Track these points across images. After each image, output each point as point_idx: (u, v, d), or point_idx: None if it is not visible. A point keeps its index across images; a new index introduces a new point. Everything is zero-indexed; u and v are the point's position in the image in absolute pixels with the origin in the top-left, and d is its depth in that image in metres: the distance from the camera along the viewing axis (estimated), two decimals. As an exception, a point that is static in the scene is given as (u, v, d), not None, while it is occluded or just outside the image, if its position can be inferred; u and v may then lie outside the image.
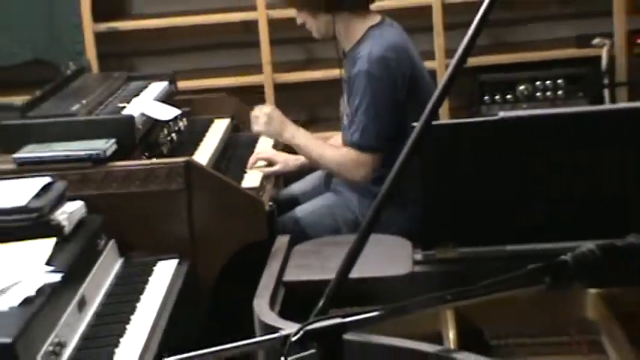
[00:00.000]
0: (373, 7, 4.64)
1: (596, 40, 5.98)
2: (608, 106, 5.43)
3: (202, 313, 4.09)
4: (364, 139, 4.39)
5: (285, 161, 4.85)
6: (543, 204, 3.10)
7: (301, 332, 2.12)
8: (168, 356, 2.66)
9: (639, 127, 3.10)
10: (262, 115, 4.73)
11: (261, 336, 2.67)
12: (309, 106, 6.05)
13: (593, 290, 3.05)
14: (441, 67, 5.82)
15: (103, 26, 6.21)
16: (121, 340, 3.46)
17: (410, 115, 4.13)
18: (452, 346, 2.79)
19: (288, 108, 5.81)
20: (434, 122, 2.76)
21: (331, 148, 4.61)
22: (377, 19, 4.58)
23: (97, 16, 6.15)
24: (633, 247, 2.16)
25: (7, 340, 2.95)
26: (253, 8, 6.07)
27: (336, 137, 4.84)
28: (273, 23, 5.96)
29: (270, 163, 4.85)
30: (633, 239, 2.18)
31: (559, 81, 5.85)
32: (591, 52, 5.98)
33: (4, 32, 6.15)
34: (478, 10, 2.47)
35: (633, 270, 2.27)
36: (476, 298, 2.55)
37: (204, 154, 4.75)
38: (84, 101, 4.64)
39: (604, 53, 5.91)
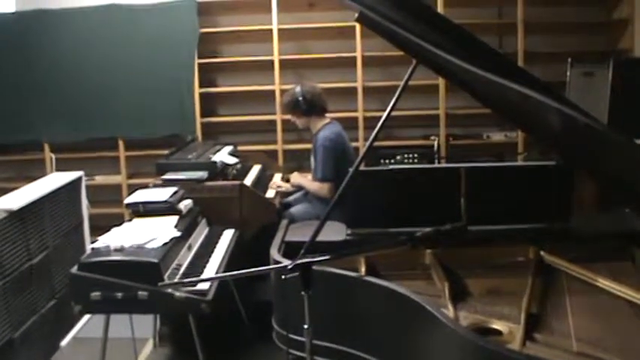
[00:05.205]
0: (327, 114, 4.82)
1: (432, 137, 6.15)
2: (435, 165, 5.70)
3: (244, 255, 4.09)
4: (324, 175, 4.56)
5: (286, 185, 5.05)
6: (407, 208, 3.23)
7: (293, 264, 2.34)
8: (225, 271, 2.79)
9: (448, 174, 3.27)
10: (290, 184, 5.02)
11: (273, 265, 2.98)
12: (300, 159, 6.09)
13: (428, 250, 3.13)
14: (362, 146, 5.97)
15: (205, 120, 6.33)
16: (207, 265, 3.67)
17: (341, 166, 4.48)
18: (363, 273, 2.88)
19: (290, 160, 6.29)
20: (360, 169, 2.99)
21: (312, 182, 4.74)
22: (328, 120, 4.78)
23: (202, 113, 6.29)
24: (447, 231, 2.44)
25: (156, 260, 3.23)
26: (274, 113, 6.23)
27: (309, 175, 4.92)
28: (284, 121, 6.05)
29: (281, 185, 5.07)
30: (448, 227, 2.45)
31: (415, 155, 6.02)
32: (429, 143, 6.12)
33: (160, 118, 6.25)
34: (378, 123, 2.86)
35: (446, 240, 2.59)
36: (373, 251, 2.91)
37: (249, 180, 4.86)
38: (194, 153, 4.86)
39: (435, 143, 6.08)
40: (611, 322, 2.52)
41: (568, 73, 5.44)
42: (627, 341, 2.38)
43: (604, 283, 2.75)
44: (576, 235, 3.23)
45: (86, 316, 4.20)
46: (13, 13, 6.42)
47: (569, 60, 5.47)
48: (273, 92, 6.25)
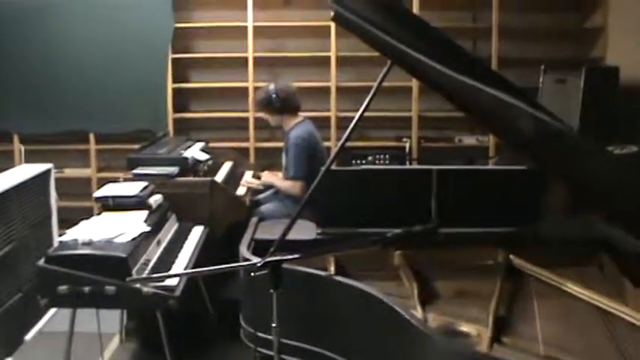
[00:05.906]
0: (300, 113, 4.81)
1: (404, 139, 6.21)
2: (407, 166, 5.75)
3: (213, 252, 4.09)
4: (295, 173, 4.55)
5: (257, 182, 4.97)
6: (378, 209, 3.22)
7: (262, 262, 2.34)
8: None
9: (420, 175, 3.27)
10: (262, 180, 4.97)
11: (242, 262, 2.98)
12: (271, 157, 6.10)
13: (398, 251, 3.12)
14: (334, 146, 6.06)
15: (177, 115, 6.31)
16: (176, 260, 3.65)
17: (312, 165, 4.48)
18: (332, 272, 2.83)
19: (262, 158, 6.24)
20: (331, 168, 2.99)
21: (283, 181, 4.73)
22: (301, 118, 4.77)
23: (174, 109, 6.27)
24: (417, 232, 2.43)
25: (124, 255, 3.20)
26: (247, 111, 6.24)
27: (280, 174, 4.93)
28: (256, 119, 6.04)
29: (252, 182, 4.99)
30: (418, 228, 2.45)
31: (387, 155, 6.05)
32: (401, 144, 6.18)
33: (132, 113, 6.20)
34: (351, 123, 2.86)
35: (416, 241, 2.60)
36: (344, 250, 2.91)
37: (220, 176, 4.80)
38: (165, 149, 4.81)
39: (407, 145, 6.15)
40: (579, 326, 2.53)
41: (541, 80, 5.49)
42: (594, 346, 2.39)
43: (572, 288, 2.77)
44: (545, 239, 3.25)
45: (52, 310, 4.14)
46: (-17, 4, 6.30)
47: (542, 67, 5.52)
48: (246, 89, 6.24)
